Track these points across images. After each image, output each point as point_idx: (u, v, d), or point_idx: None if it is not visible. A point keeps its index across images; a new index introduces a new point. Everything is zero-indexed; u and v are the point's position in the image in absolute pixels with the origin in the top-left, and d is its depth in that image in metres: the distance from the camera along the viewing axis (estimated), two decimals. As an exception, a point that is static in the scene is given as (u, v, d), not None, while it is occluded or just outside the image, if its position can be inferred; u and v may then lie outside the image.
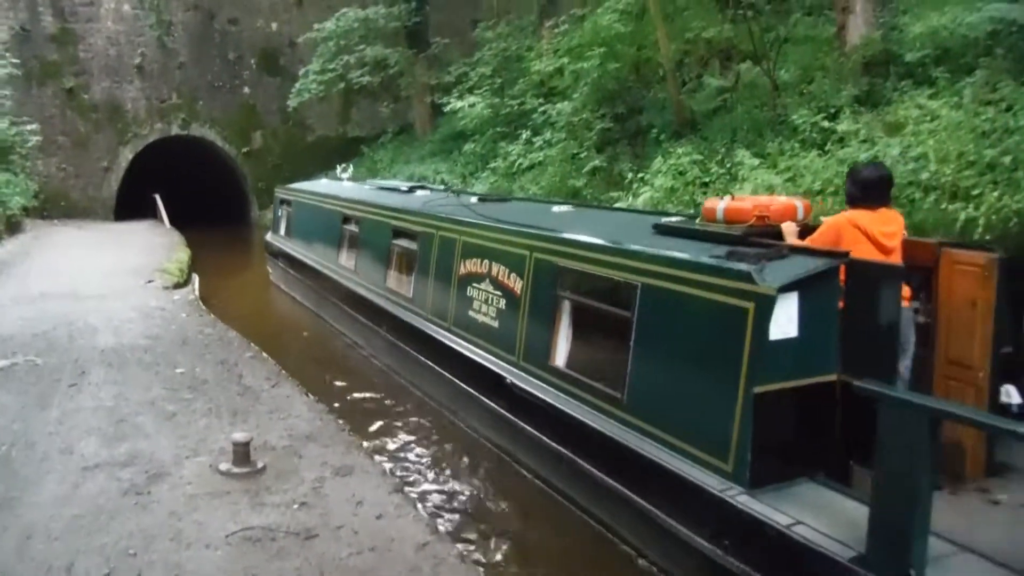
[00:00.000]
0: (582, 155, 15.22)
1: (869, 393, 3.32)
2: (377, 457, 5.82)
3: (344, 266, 10.45)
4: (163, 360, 7.89)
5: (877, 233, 4.28)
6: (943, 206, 9.49)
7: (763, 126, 13.96)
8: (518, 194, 15.04)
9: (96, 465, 5.26)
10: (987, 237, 8.87)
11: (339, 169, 14.39)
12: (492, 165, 17.52)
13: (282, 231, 14.07)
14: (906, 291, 4.26)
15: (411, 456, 6.53)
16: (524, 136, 16.68)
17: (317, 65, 22.28)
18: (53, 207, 22.63)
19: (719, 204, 5.10)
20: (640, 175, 14.00)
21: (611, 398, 4.91)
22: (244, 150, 25.63)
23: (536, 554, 4.92)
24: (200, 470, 5.16)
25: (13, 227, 18.39)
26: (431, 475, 6.10)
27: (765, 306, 3.97)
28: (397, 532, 4.34)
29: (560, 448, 5.31)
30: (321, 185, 13.34)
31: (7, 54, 20.71)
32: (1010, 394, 4.17)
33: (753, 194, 11.20)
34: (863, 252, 4.22)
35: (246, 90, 25.83)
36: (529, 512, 5.42)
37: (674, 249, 4.76)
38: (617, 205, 13.75)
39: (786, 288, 3.97)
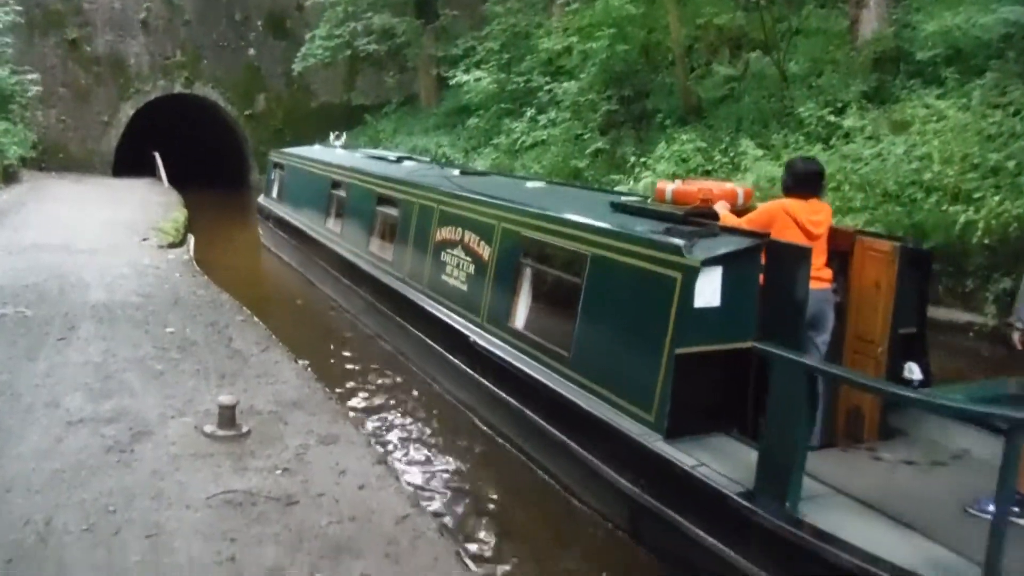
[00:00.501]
0: (585, 136, 15.15)
1: (764, 353, 3.93)
2: (362, 427, 5.82)
3: (331, 230, 10.83)
4: (153, 319, 7.86)
5: (805, 220, 4.72)
6: (944, 207, 9.49)
7: (769, 117, 13.89)
8: (519, 172, 14.98)
9: (80, 420, 5.24)
10: (986, 241, 8.89)
11: (332, 137, 14.70)
12: (495, 141, 17.43)
13: (274, 194, 14.36)
14: (828, 274, 4.75)
15: (395, 424, 6.53)
16: (529, 114, 16.57)
17: (324, 30, 22.08)
18: (51, 159, 22.47)
19: (668, 186, 5.68)
20: (643, 159, 13.94)
21: (559, 356, 5.42)
22: (246, 112, 25.42)
23: (487, 503, 5.25)
24: (185, 431, 5.15)
25: (9, 177, 18.28)
26: (415, 446, 6.10)
27: (690, 277, 4.48)
28: (378, 503, 4.33)
29: (514, 402, 5.77)
30: (314, 151, 13.66)
31: (10, 1, 20.45)
32: (912, 371, 4.70)
33: (755, 185, 11.18)
34: (792, 236, 4.66)
35: (251, 52, 25.58)
36: (503, 478, 5.45)
37: (623, 225, 5.28)
38: (617, 188, 13.73)
39: (710, 262, 4.46)
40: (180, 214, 16.67)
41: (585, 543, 4.71)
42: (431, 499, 5.19)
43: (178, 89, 24.62)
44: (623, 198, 6.31)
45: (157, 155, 23.45)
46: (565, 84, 15.64)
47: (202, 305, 8.65)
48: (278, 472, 4.63)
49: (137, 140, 23.84)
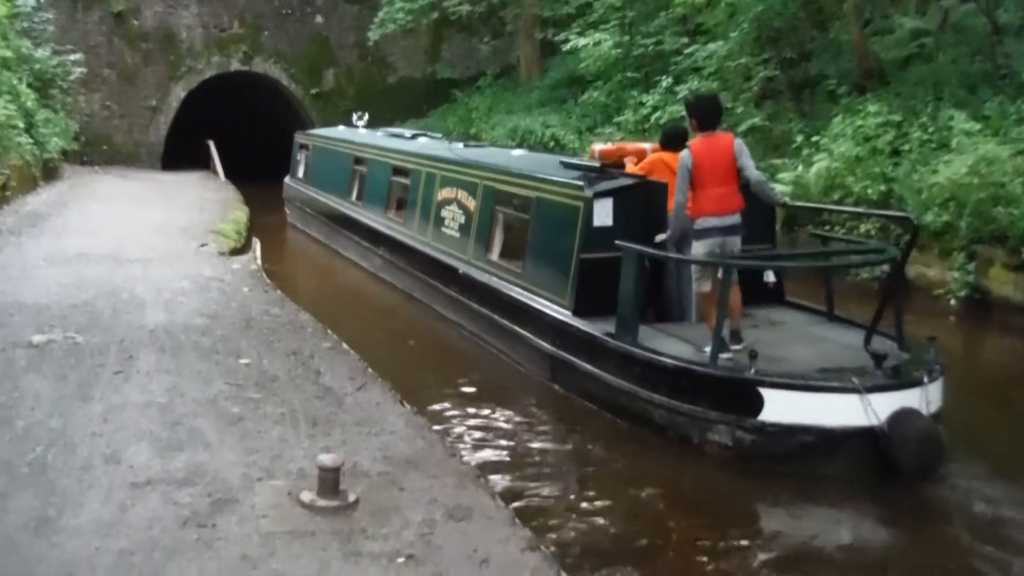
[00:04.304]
0: (738, 110, 14.43)
1: (623, 248, 6.94)
2: (500, 495, 5.36)
3: (354, 201, 14.14)
4: (224, 346, 7.68)
5: (671, 162, 7.60)
6: None
7: (977, 80, 12.92)
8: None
9: (148, 481, 4.98)
10: None
11: (355, 117, 17.23)
12: (618, 119, 16.89)
13: (299, 174, 17.47)
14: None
15: (539, 489, 6.06)
16: (664, 83, 15.93)
17: (407, -11, 22.06)
18: (94, 151, 23.20)
19: (597, 147, 9.49)
20: (813, 138, 13.16)
21: (515, 272, 8.80)
22: (313, 91, 25.70)
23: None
24: (276, 498, 4.82)
25: (50, 173, 18.84)
26: (569, 519, 5.62)
27: (588, 204, 7.72)
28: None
29: (484, 310, 9.16)
30: (338, 131, 17.00)
31: (51, -30, 21.20)
32: (769, 275, 7.63)
33: (972, 168, 10.40)
34: (665, 177, 7.60)
35: (318, 19, 25.86)
36: None
37: (559, 176, 8.55)
38: (782, 176, 13.00)
39: (600, 194, 7.72)
40: (241, 213, 16.82)
41: (530, 384, 8.18)
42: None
43: (235, 66, 25.10)
44: (571, 159, 9.61)
45: (211, 144, 23.89)
46: (709, 46, 14.97)
47: (279, 328, 8.44)
48: (400, 560, 4.22)
49: (187, 127, 24.36)
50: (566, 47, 18.28)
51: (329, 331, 8.47)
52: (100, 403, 6.21)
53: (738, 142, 6.84)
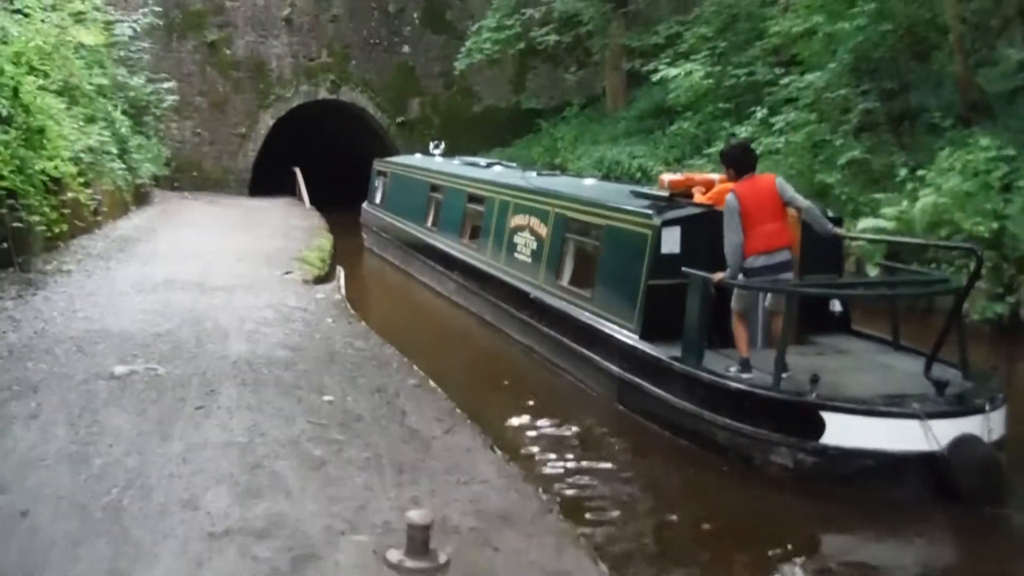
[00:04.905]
0: (837, 142, 13.76)
1: (689, 275, 7.18)
2: (601, 558, 4.88)
3: (429, 227, 14.50)
4: (306, 382, 7.38)
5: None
6: None
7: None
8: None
9: (226, 532, 4.65)
10: None
11: (432, 145, 17.49)
12: (708, 151, 16.32)
13: (377, 199, 17.97)
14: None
15: (639, 550, 5.59)
16: (759, 115, 15.33)
17: (493, 20, 21.92)
18: (184, 177, 23.55)
19: (667, 177, 8.96)
20: (918, 172, 12.43)
21: (585, 297, 9.01)
22: (398, 120, 25.72)
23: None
24: (361, 556, 4.43)
25: (141, 198, 19.08)
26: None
27: (657, 232, 7.88)
28: None
29: (555, 334, 9.37)
30: (415, 159, 17.49)
31: (150, 1, 21.60)
32: (835, 304, 8.16)
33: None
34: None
35: (405, 49, 25.92)
36: None
37: (629, 204, 8.77)
38: (885, 210, 12.31)
39: (668, 223, 7.89)
40: (326, 241, 16.75)
41: (598, 406, 8.35)
42: None
43: (322, 95, 25.27)
44: (641, 189, 9.75)
45: (297, 171, 24.04)
46: (807, 76, 14.35)
47: (363, 363, 8.13)
48: (497, 636, 3.80)
49: (275, 154, 24.58)
50: (655, 77, 17.80)
51: (415, 367, 8.14)
52: (179, 441, 5.93)
53: (779, 179, 7.23)
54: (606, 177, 16.19)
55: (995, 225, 11.17)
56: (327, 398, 6.97)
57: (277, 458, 5.71)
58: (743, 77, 16.72)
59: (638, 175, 17.55)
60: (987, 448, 5.95)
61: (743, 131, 15.66)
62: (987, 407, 6.18)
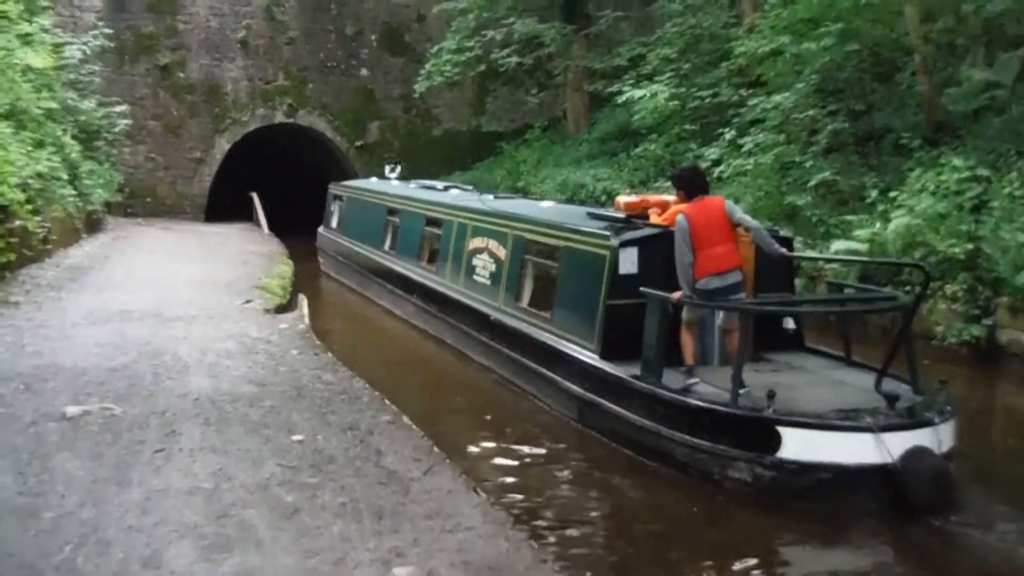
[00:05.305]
0: (806, 164, 13.64)
1: (647, 294, 7.27)
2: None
3: (387, 251, 14.50)
4: (274, 420, 6.95)
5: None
6: None
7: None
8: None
9: (192, 593, 4.23)
10: None
11: (387, 169, 17.76)
12: (674, 172, 16.19)
13: (333, 223, 17.85)
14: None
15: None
16: (727, 136, 15.20)
17: (453, 42, 21.66)
18: (138, 203, 22.95)
19: (622, 199, 9.09)
20: (890, 193, 12.33)
21: (545, 318, 9.04)
22: (357, 143, 25.32)
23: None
24: (343, 619, 4.03)
25: (93, 225, 18.43)
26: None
27: (615, 253, 7.94)
28: None
29: (515, 355, 9.39)
30: (371, 183, 17.49)
31: (100, 23, 21.02)
32: (788, 322, 8.26)
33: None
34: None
35: (364, 72, 25.58)
36: None
37: (586, 226, 8.81)
38: (858, 233, 12.19)
39: (626, 244, 7.95)
40: (286, 267, 16.30)
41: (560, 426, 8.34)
42: None
43: (279, 119, 24.80)
44: (597, 210, 9.94)
45: (255, 196, 23.51)
46: (774, 97, 14.25)
47: (332, 397, 7.72)
48: None
49: (231, 179, 24.04)
50: (620, 99, 17.62)
51: (386, 401, 7.74)
52: (139, 489, 5.49)
53: (728, 202, 7.42)
54: (569, 200, 16.11)
55: (970, 246, 11.07)
56: (297, 437, 6.55)
57: (246, 506, 5.30)
58: (708, 99, 16.61)
59: (603, 198, 17.33)
60: (937, 459, 6.10)
61: (710, 153, 15.54)
62: (937, 420, 6.37)
